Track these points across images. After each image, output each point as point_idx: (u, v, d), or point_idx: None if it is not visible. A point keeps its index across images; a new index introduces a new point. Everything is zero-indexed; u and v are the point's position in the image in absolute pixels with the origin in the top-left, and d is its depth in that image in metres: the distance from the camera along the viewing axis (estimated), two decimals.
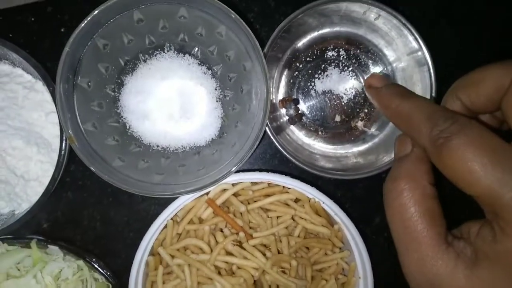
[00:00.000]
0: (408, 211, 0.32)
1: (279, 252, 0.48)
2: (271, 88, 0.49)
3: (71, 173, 0.53)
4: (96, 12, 0.41)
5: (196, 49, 0.49)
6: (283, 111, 0.53)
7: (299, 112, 0.53)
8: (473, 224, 0.32)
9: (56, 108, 0.42)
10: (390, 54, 0.52)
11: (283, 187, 0.49)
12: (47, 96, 0.48)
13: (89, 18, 0.41)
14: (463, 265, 0.30)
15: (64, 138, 0.45)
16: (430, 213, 0.32)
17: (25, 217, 0.45)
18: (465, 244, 0.31)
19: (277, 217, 0.49)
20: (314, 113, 0.53)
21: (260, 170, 0.49)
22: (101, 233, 0.54)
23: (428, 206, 0.33)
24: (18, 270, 0.47)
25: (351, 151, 0.53)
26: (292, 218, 0.49)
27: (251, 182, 0.49)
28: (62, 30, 0.52)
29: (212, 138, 0.49)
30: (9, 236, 0.47)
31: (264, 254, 0.47)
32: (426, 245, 0.31)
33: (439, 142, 0.30)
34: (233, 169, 0.44)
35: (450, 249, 0.31)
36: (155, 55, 0.48)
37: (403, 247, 0.33)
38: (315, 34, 0.52)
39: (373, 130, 0.53)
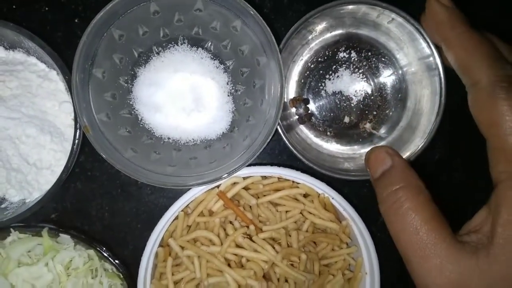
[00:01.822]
0: (415, 220, 0.32)
1: (288, 246, 0.48)
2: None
3: (81, 164, 0.53)
4: (115, 2, 0.41)
5: (210, 43, 0.49)
6: (293, 110, 0.53)
7: (309, 112, 0.53)
8: (480, 215, 0.32)
9: (72, 97, 0.42)
10: (401, 58, 0.52)
11: (293, 182, 0.50)
12: (61, 86, 0.49)
13: (107, 8, 0.42)
14: (484, 253, 0.30)
15: (78, 127, 0.45)
16: (436, 217, 0.33)
17: (36, 206, 0.45)
18: (477, 235, 0.31)
19: (286, 211, 0.50)
20: (324, 113, 0.54)
21: (271, 165, 0.49)
22: (109, 224, 0.54)
23: (432, 210, 0.33)
24: (30, 258, 0.47)
25: (358, 153, 0.54)
26: (301, 213, 0.50)
27: (262, 176, 0.49)
28: (76, 20, 0.52)
29: (223, 132, 0.50)
30: (20, 224, 0.47)
31: (273, 248, 0.47)
32: (442, 248, 0.31)
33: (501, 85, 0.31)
34: (245, 163, 0.44)
35: (466, 245, 0.31)
36: (169, 48, 0.48)
37: (415, 257, 0.32)
38: (327, 35, 0.52)
39: (381, 132, 0.53)
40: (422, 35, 0.46)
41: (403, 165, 0.36)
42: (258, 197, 0.50)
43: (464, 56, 0.36)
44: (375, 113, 0.53)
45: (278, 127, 0.46)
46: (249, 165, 0.45)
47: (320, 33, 0.52)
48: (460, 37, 0.36)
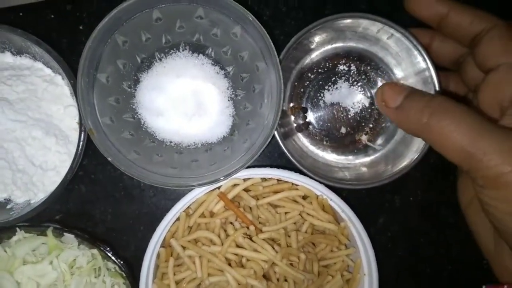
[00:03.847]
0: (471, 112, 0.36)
1: (287, 246, 0.49)
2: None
3: (84, 167, 0.55)
4: (119, 9, 0.43)
5: (210, 49, 0.50)
6: (291, 118, 0.55)
7: (307, 120, 0.54)
8: None
9: (77, 101, 0.43)
10: (398, 73, 0.53)
11: (292, 184, 0.51)
12: (66, 90, 0.50)
13: (111, 15, 0.43)
14: None
15: (83, 129, 0.46)
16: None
17: (41, 206, 0.46)
18: None
19: (285, 213, 0.51)
20: (321, 123, 0.55)
21: (271, 167, 0.50)
22: (112, 225, 0.55)
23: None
24: (35, 256, 0.48)
25: (353, 163, 0.55)
26: (300, 215, 0.51)
27: (261, 178, 0.50)
28: (81, 27, 0.54)
29: (224, 136, 0.51)
30: (25, 224, 0.48)
31: (273, 248, 0.48)
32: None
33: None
34: (244, 164, 0.45)
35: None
36: (171, 54, 0.50)
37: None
38: (328, 47, 0.54)
39: (376, 145, 0.54)
40: (419, 50, 0.47)
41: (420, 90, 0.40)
42: (258, 199, 0.50)
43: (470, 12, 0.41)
44: (371, 125, 0.54)
45: (276, 134, 0.47)
46: (249, 167, 0.46)
47: (321, 44, 0.53)
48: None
